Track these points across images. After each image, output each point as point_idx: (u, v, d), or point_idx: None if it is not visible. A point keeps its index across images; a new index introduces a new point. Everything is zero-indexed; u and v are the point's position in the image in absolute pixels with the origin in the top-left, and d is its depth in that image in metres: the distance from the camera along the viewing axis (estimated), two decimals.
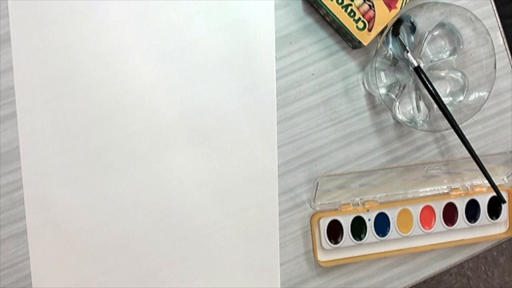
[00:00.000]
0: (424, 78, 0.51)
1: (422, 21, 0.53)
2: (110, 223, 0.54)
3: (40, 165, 0.53)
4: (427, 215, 0.57)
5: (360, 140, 0.57)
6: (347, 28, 0.51)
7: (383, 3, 0.51)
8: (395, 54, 0.53)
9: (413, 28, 0.53)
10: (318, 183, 0.53)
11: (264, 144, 0.55)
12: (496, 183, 0.53)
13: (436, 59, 0.54)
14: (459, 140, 0.51)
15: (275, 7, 0.55)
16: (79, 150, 0.53)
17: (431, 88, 0.50)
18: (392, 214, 0.56)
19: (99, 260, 0.54)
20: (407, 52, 0.51)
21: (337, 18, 0.51)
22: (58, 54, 0.53)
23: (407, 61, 0.52)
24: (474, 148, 0.51)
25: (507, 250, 1.34)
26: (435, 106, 0.52)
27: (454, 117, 0.51)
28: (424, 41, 0.53)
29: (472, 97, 0.53)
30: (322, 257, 0.56)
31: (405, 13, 0.51)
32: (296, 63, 0.55)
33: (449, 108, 0.51)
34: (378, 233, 0.55)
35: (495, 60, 0.51)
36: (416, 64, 0.51)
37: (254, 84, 0.55)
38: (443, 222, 0.57)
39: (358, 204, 0.55)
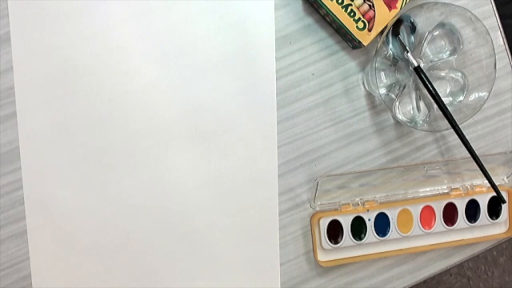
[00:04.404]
0: (424, 78, 0.51)
1: (422, 21, 0.53)
2: (110, 223, 0.54)
3: (40, 165, 0.53)
4: (427, 215, 0.57)
5: (360, 140, 0.57)
6: (347, 28, 0.51)
7: (383, 3, 0.51)
8: (395, 54, 0.53)
9: (413, 28, 0.53)
10: (318, 183, 0.53)
11: (264, 144, 0.55)
12: (496, 183, 0.53)
13: (436, 59, 0.54)
14: (459, 140, 0.51)
15: (275, 7, 0.55)
16: (79, 150, 0.53)
17: (431, 88, 0.50)
18: (392, 214, 0.56)
19: (99, 260, 0.54)
20: (407, 52, 0.51)
21: (337, 18, 0.51)
22: (58, 54, 0.53)
23: (407, 61, 0.52)
24: (474, 148, 0.51)
25: (507, 250, 1.34)
26: (435, 106, 0.52)
27: (454, 117, 0.51)
28: (424, 41, 0.53)
29: (472, 97, 0.53)
30: (322, 257, 0.56)
31: (405, 13, 0.51)
32: (296, 63, 0.55)
33: (449, 108, 0.51)
34: (378, 233, 0.55)
35: (495, 60, 0.51)
36: (416, 64, 0.51)
37: (254, 84, 0.55)
38: (443, 222, 0.57)
39: (358, 204, 0.55)
